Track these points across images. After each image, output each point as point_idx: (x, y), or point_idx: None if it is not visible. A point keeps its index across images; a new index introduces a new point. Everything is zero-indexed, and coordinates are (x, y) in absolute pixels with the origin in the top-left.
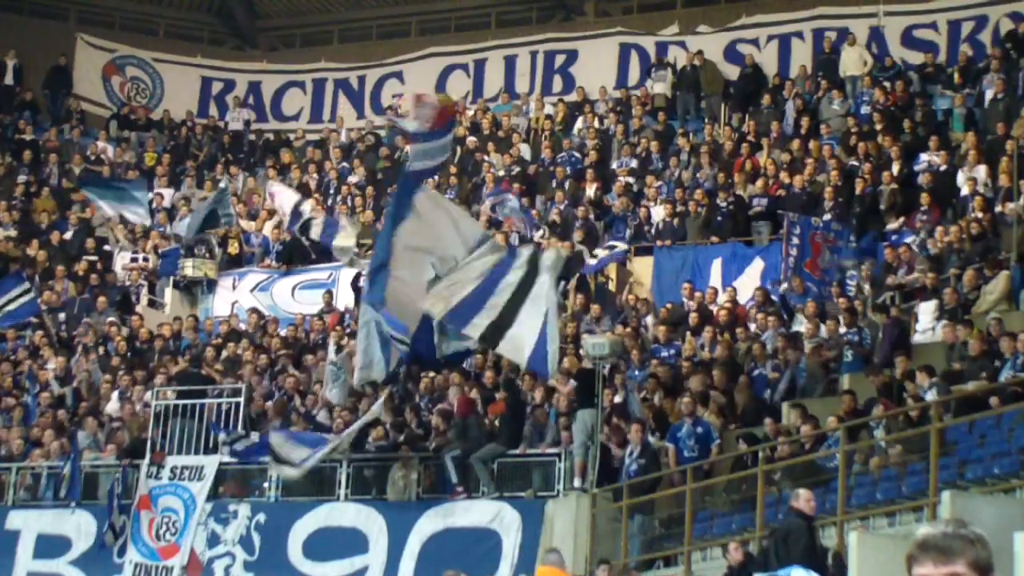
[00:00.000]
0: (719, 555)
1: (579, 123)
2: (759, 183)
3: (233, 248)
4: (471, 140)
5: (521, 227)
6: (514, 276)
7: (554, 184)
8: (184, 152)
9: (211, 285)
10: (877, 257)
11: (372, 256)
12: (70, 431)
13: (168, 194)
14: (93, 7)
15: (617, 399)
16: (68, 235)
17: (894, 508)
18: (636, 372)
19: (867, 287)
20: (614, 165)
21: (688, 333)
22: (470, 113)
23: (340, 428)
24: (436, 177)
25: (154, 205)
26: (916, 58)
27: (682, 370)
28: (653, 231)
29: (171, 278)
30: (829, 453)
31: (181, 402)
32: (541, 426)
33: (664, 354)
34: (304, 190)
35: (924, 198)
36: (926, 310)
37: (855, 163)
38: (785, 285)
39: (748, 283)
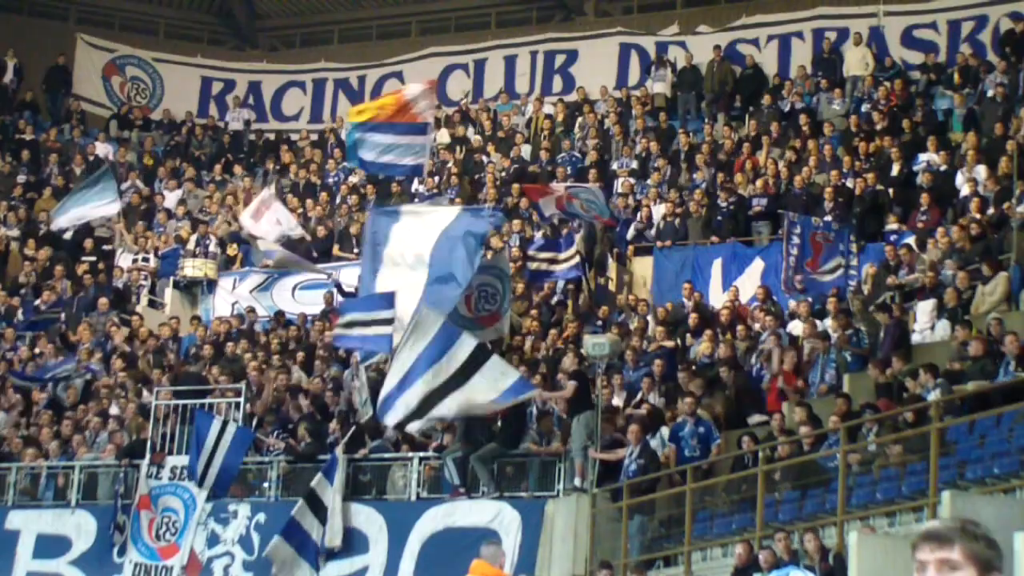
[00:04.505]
0: (719, 555)
1: (579, 123)
2: (759, 183)
3: (232, 249)
4: (476, 139)
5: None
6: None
7: (554, 184)
8: (184, 152)
9: (211, 285)
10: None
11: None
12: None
13: (177, 195)
14: (93, 7)
15: (616, 400)
16: (68, 235)
17: (894, 508)
18: (631, 372)
19: (866, 287)
20: (614, 165)
21: (688, 335)
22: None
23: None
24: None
25: (157, 205)
26: (916, 58)
27: (678, 370)
28: (653, 231)
29: (171, 278)
30: (829, 453)
31: (181, 402)
32: (546, 432)
33: (661, 353)
34: (302, 191)
35: (924, 198)
36: (924, 309)
37: (856, 163)
38: (785, 286)
39: (748, 283)
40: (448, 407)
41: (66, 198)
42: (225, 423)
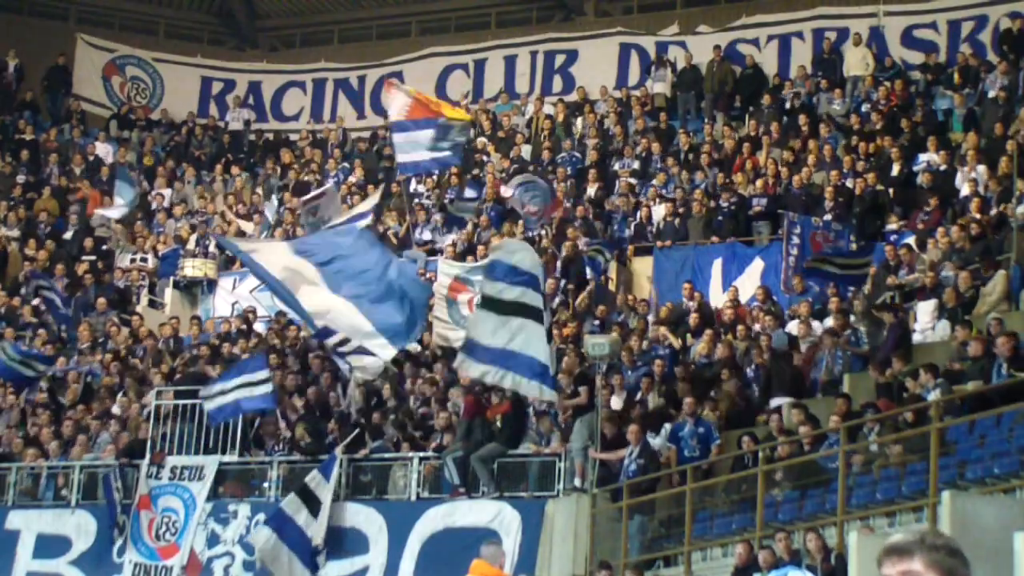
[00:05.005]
0: (719, 555)
1: (579, 123)
2: (759, 183)
3: None
4: (481, 141)
5: (534, 216)
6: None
7: (554, 184)
8: (184, 152)
9: (211, 285)
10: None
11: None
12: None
13: (168, 194)
14: (93, 7)
15: (615, 401)
16: (68, 235)
17: (894, 508)
18: (629, 372)
19: (866, 287)
20: (616, 166)
21: (688, 335)
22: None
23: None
24: (435, 174)
25: (154, 205)
26: (916, 58)
27: (676, 370)
28: (653, 231)
29: (171, 278)
30: (829, 453)
31: (181, 402)
32: (546, 432)
33: (662, 353)
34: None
35: (933, 201)
36: (925, 309)
37: (856, 163)
38: (785, 286)
39: (748, 283)
40: (500, 329)
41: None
42: (268, 379)
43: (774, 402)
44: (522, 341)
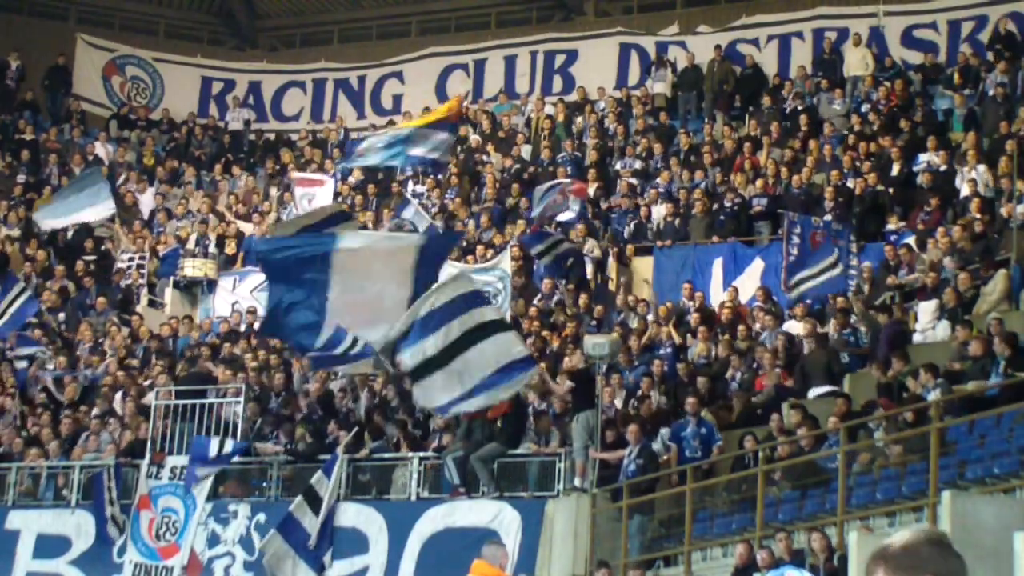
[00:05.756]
0: (719, 555)
1: (579, 123)
2: (759, 183)
3: (231, 248)
4: (474, 139)
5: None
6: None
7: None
8: (184, 152)
9: (211, 285)
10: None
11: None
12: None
13: (168, 194)
14: (93, 7)
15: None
16: (68, 235)
17: (894, 508)
18: (627, 372)
19: (866, 287)
20: (618, 166)
21: (688, 335)
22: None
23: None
24: (435, 175)
25: (155, 205)
26: (916, 58)
27: (678, 370)
28: (653, 231)
29: (171, 278)
30: (829, 453)
31: (182, 402)
32: (545, 431)
33: (662, 353)
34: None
35: (934, 202)
36: (926, 310)
37: (856, 163)
38: (785, 286)
39: (748, 283)
40: (452, 379)
41: (55, 199)
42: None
43: (813, 392)
44: (474, 365)
